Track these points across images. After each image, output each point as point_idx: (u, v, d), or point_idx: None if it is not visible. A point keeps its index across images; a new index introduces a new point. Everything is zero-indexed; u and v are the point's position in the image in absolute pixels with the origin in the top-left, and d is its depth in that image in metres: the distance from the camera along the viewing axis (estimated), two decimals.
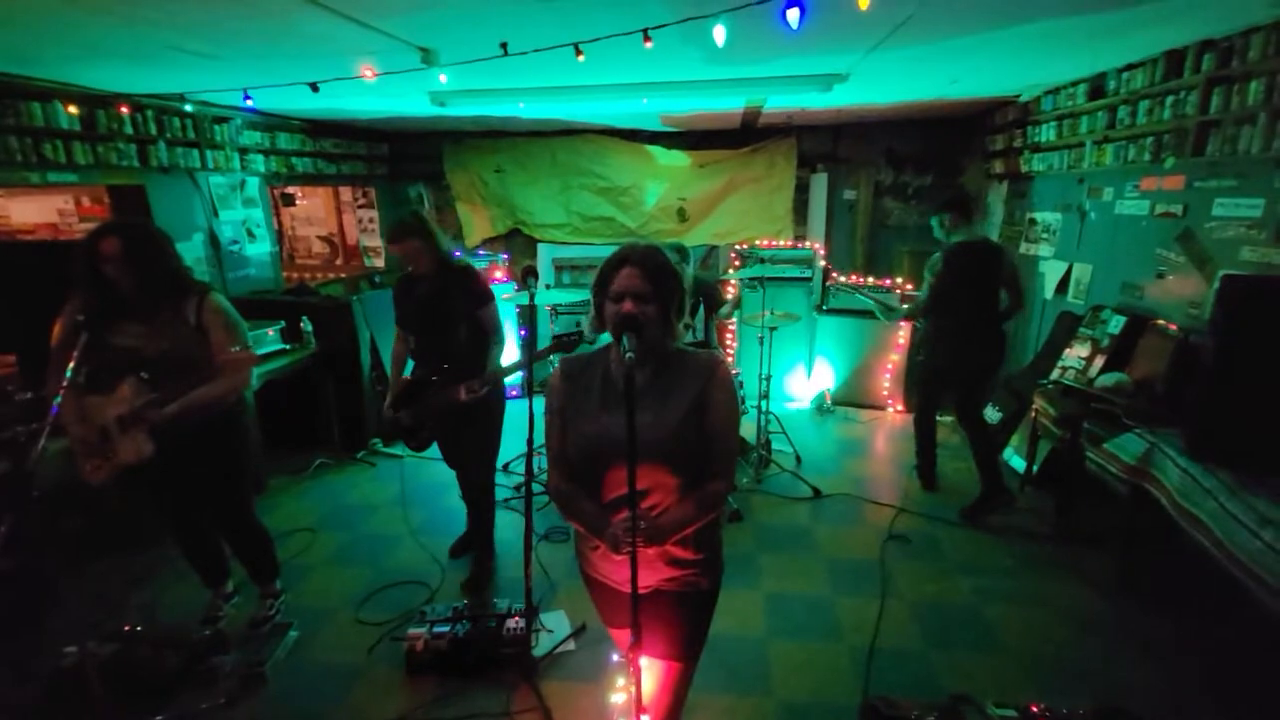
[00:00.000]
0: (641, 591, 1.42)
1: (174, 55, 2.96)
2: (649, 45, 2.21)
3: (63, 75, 3.41)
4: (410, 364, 3.05)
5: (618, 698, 2.11)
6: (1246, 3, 2.56)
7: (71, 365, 2.08)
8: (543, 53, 2.51)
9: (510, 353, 3.83)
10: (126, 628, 2.56)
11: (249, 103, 3.38)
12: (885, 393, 5.35)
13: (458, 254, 3.53)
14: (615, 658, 2.18)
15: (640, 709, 1.47)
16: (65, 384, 2.08)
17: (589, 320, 1.58)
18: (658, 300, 1.46)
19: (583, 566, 1.70)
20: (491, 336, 2.93)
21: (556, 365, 1.63)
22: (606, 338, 1.56)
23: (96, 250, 2.23)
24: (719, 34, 2.16)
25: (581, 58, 2.43)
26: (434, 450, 3.09)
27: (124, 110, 3.70)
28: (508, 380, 4.76)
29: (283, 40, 2.76)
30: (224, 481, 2.63)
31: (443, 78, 3.03)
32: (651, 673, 1.65)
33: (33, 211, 6.28)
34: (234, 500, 2.70)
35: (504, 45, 2.48)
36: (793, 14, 1.86)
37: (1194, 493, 2.47)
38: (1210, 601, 2.75)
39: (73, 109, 3.49)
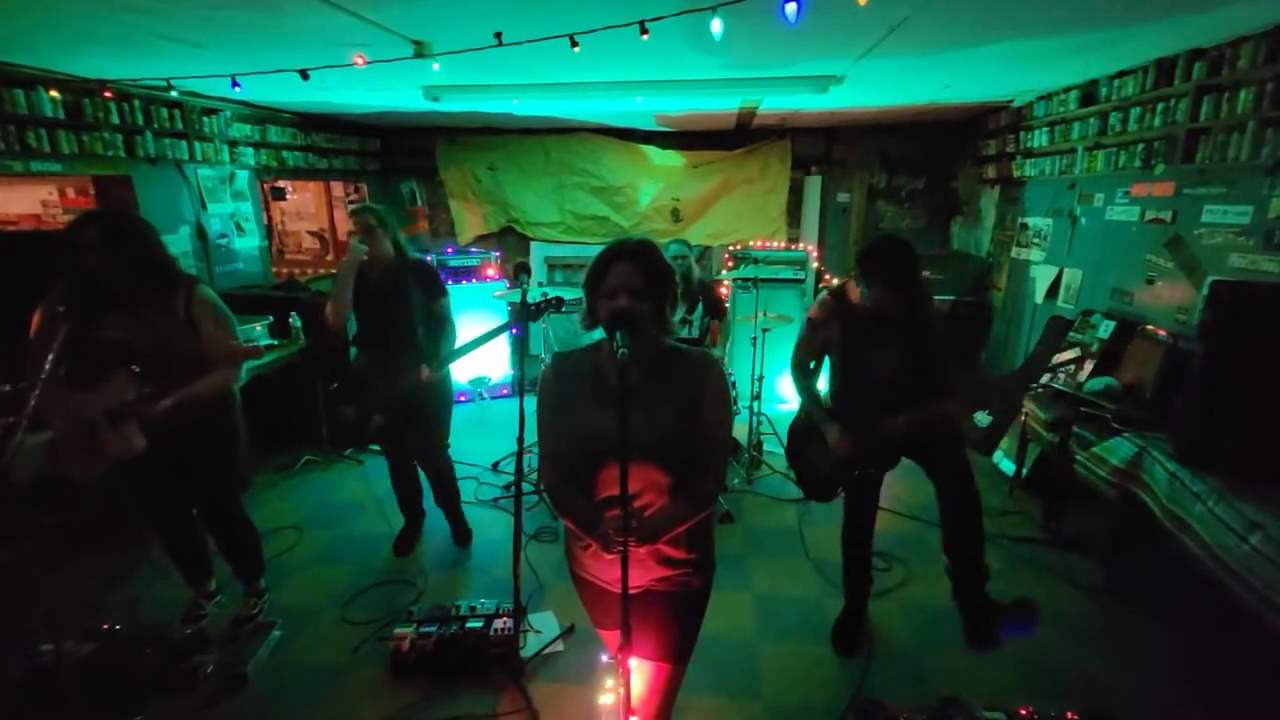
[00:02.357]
0: (632, 591, 1.40)
1: (161, 44, 2.91)
2: (645, 38, 2.20)
3: (46, 62, 3.35)
4: (352, 354, 3.16)
5: (606, 699, 2.09)
6: (1236, 13, 2.58)
7: (51, 358, 2.04)
8: (537, 46, 2.49)
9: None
10: (105, 626, 2.51)
11: (237, 89, 3.32)
12: None
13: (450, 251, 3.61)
14: (604, 659, 2.16)
15: (629, 711, 1.45)
16: (44, 377, 2.03)
17: (581, 316, 1.56)
18: (652, 296, 1.44)
19: (572, 567, 1.68)
20: (444, 327, 3.10)
21: (548, 361, 1.61)
22: (598, 333, 1.54)
23: (77, 240, 2.17)
24: (715, 28, 2.14)
25: (577, 49, 2.41)
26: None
27: (108, 95, 3.63)
28: (498, 379, 4.84)
29: (272, 31, 2.73)
30: (213, 475, 2.60)
31: (435, 66, 3.01)
32: (641, 674, 1.63)
33: (15, 202, 6.19)
34: (222, 494, 2.68)
35: (498, 35, 2.46)
36: (790, 6, 1.85)
37: (1182, 497, 2.49)
38: (1197, 605, 2.77)
39: (54, 93, 3.42)
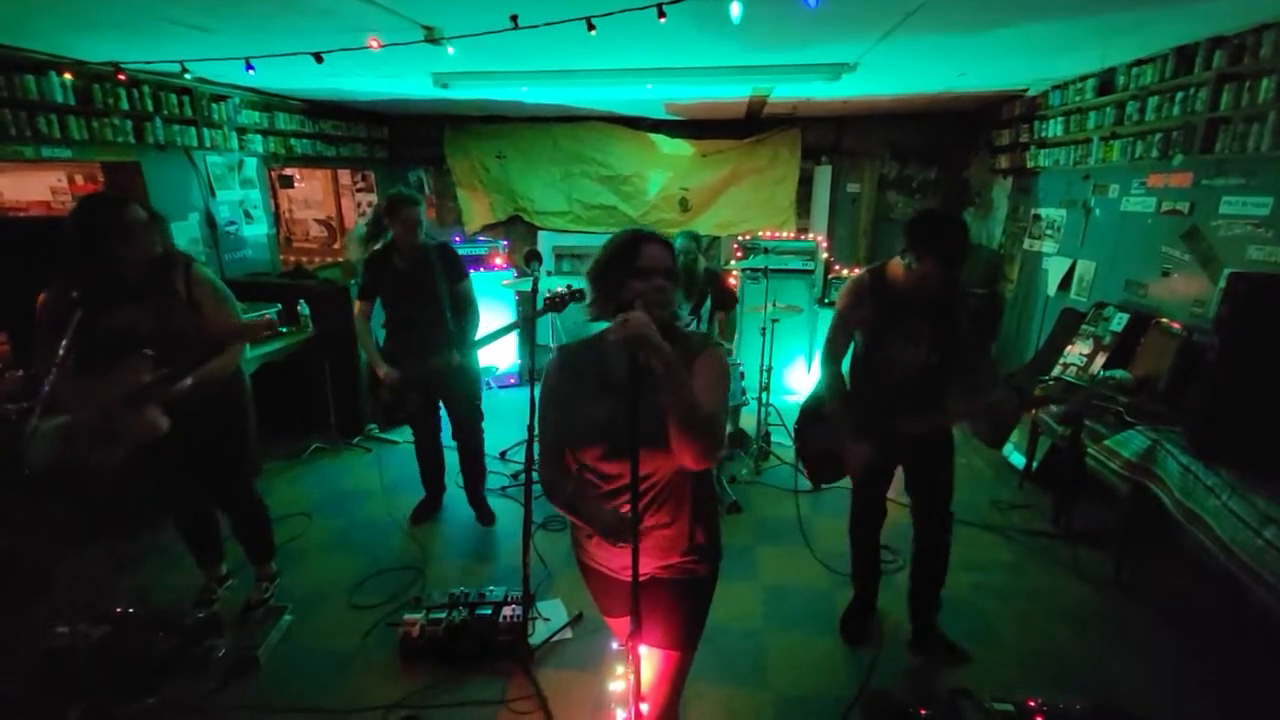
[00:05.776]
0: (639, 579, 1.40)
1: (170, 28, 2.90)
2: (663, 21, 2.17)
3: (56, 47, 3.34)
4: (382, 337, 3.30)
5: (616, 686, 2.10)
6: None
7: (65, 344, 2.04)
8: (553, 29, 2.47)
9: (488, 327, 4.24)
10: (118, 610, 2.54)
11: (250, 72, 3.31)
12: None
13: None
14: (614, 646, 2.16)
15: (639, 697, 1.45)
16: (57, 363, 2.03)
17: (591, 303, 1.52)
18: (675, 279, 1.47)
19: (579, 555, 1.68)
20: (468, 308, 3.23)
21: (553, 354, 1.60)
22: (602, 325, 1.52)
23: (97, 227, 2.15)
24: (734, 11, 2.12)
25: (593, 31, 2.39)
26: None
27: (121, 78, 3.62)
28: (503, 370, 4.88)
29: (280, 16, 2.71)
30: (227, 454, 2.64)
31: (450, 50, 2.99)
32: (649, 661, 1.63)
33: (25, 189, 6.21)
34: (237, 472, 2.72)
35: (514, 18, 2.45)
36: None
37: (1195, 490, 2.47)
38: (1209, 599, 2.76)
39: (68, 76, 3.43)
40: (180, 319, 2.33)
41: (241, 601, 2.79)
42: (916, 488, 2.48)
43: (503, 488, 3.91)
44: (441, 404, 3.37)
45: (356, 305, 3.22)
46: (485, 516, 3.54)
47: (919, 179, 6.00)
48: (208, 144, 4.39)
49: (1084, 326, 3.95)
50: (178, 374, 2.27)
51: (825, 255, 5.74)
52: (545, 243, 6.39)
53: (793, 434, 2.60)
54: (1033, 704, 2.12)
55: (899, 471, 2.51)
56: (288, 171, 6.48)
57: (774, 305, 4.09)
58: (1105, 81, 3.90)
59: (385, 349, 3.21)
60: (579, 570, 1.71)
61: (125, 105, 3.78)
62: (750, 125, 5.96)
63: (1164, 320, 3.40)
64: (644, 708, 1.55)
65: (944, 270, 2.08)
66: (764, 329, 4.07)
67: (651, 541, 1.51)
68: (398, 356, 3.14)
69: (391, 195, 3.00)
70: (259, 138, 4.88)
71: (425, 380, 3.15)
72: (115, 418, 2.23)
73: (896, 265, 2.22)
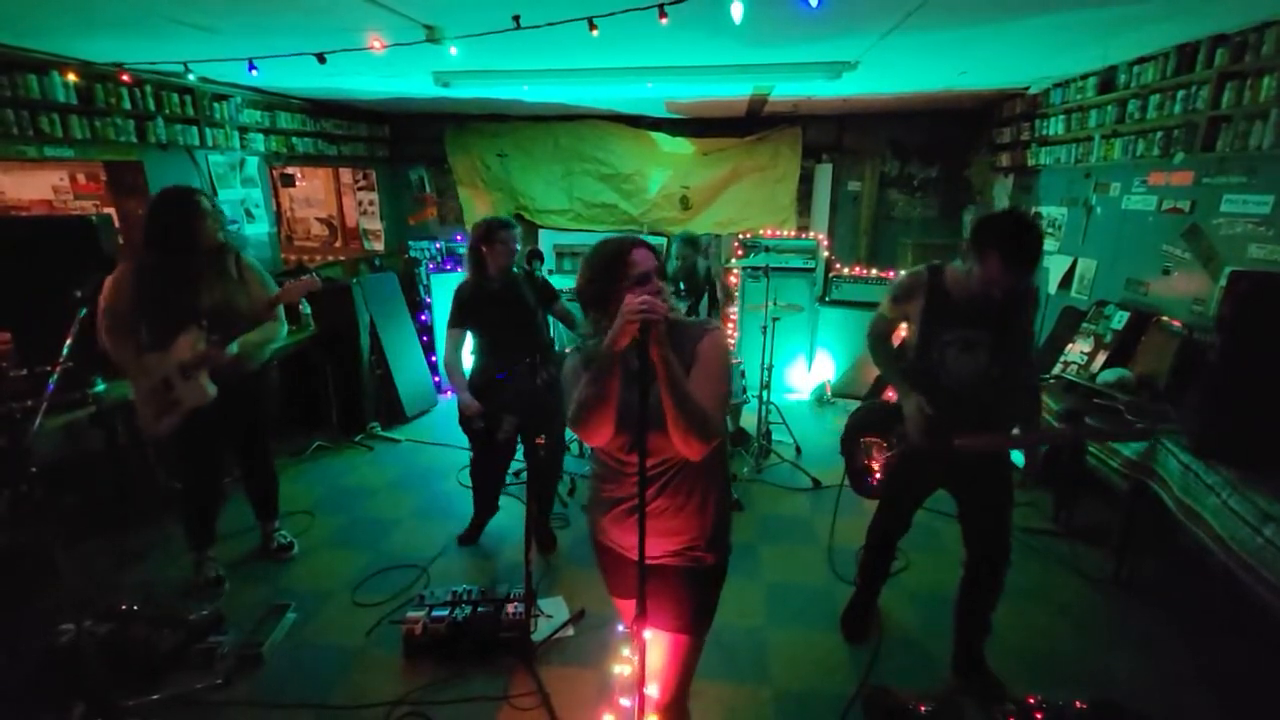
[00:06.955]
0: (647, 562, 1.43)
1: (173, 28, 2.90)
2: (664, 22, 2.18)
3: (58, 47, 3.35)
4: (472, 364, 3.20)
5: (621, 669, 2.09)
6: None
7: (68, 342, 2.09)
8: (555, 29, 2.48)
9: None
10: (123, 606, 2.55)
11: (254, 73, 3.32)
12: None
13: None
14: (620, 629, 2.16)
15: (644, 681, 1.47)
16: (61, 363, 2.09)
17: (594, 323, 1.55)
18: (665, 278, 1.56)
19: (593, 533, 1.72)
20: (575, 319, 3.25)
21: (573, 353, 1.63)
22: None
23: (195, 212, 2.56)
24: (736, 11, 2.12)
25: (595, 32, 2.40)
26: (433, 435, 3.07)
27: (125, 79, 3.63)
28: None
29: (283, 13, 2.72)
30: (260, 416, 3.01)
31: (453, 50, 3.00)
32: (658, 647, 1.66)
33: (28, 188, 6.22)
34: (264, 432, 3.08)
35: (516, 18, 2.46)
36: None
37: (1195, 488, 2.47)
38: (1208, 597, 2.77)
39: (71, 76, 3.45)
40: (234, 298, 2.68)
41: (262, 548, 3.20)
42: (972, 516, 2.30)
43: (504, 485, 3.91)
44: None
45: (448, 334, 3.07)
46: (548, 543, 3.31)
47: (920, 177, 6.00)
48: (209, 143, 4.39)
49: (1084, 325, 3.95)
50: (225, 342, 2.60)
51: (826, 254, 5.74)
52: (546, 241, 6.40)
53: (840, 448, 2.46)
54: (1032, 701, 2.13)
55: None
56: (289, 170, 6.48)
57: (775, 304, 4.09)
58: (1106, 79, 3.90)
59: (474, 376, 3.10)
60: (592, 548, 1.75)
61: (127, 105, 3.79)
62: (751, 123, 5.96)
63: (1165, 319, 3.40)
64: (651, 691, 1.58)
65: (1010, 276, 1.88)
66: (765, 327, 4.07)
67: (662, 525, 1.56)
68: (491, 380, 3.02)
69: (487, 220, 2.98)
70: (260, 136, 4.88)
71: (518, 404, 2.99)
72: (174, 386, 2.56)
73: (952, 270, 2.12)
